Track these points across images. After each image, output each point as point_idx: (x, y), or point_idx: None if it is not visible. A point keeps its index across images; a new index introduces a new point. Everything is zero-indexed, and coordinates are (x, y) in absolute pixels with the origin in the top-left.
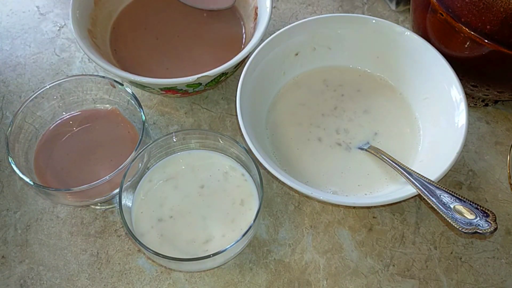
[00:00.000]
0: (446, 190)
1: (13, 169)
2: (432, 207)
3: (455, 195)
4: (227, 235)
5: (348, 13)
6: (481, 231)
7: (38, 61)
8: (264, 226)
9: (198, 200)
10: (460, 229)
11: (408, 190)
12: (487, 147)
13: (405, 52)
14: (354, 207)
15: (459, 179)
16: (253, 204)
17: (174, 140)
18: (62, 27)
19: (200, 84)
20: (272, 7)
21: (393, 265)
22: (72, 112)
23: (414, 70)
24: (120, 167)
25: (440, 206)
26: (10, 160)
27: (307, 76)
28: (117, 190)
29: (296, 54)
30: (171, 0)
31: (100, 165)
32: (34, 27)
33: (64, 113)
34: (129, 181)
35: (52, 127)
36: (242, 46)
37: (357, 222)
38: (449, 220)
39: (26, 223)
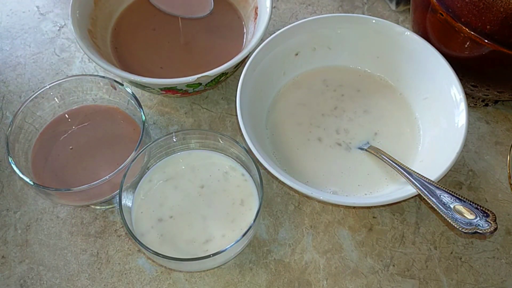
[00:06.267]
0: (446, 190)
1: (13, 169)
2: (432, 207)
3: (455, 195)
4: (227, 235)
5: (348, 13)
6: (481, 231)
7: (38, 61)
8: (264, 226)
9: (198, 200)
10: (460, 229)
11: (408, 190)
12: (487, 147)
13: (405, 52)
14: (354, 207)
15: (459, 179)
16: (253, 204)
17: (174, 140)
18: (62, 27)
19: (200, 84)
20: (272, 7)
21: (393, 265)
22: (71, 108)
23: (414, 70)
24: (120, 167)
25: (440, 206)
26: (10, 160)
27: (307, 76)
28: (117, 191)
29: (296, 54)
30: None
31: (100, 165)
32: (34, 27)
33: (64, 113)
34: (129, 181)
35: (50, 124)
36: (242, 46)
37: (357, 222)
38: (449, 220)
39: (26, 223)
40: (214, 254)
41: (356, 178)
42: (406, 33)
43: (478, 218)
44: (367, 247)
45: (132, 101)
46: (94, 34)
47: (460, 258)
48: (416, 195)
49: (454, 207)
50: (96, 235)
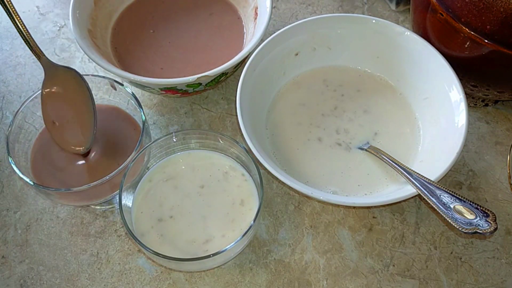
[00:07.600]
0: (446, 190)
1: (13, 169)
2: (432, 207)
3: (455, 195)
4: (227, 235)
5: (348, 13)
6: (481, 231)
7: (38, 61)
8: (264, 226)
9: (198, 200)
10: (460, 229)
11: (408, 190)
12: (487, 147)
13: (405, 52)
14: (354, 207)
15: (459, 179)
16: (253, 204)
17: (174, 140)
18: (62, 27)
19: (200, 84)
20: (272, 7)
21: (393, 265)
22: None
23: (414, 70)
24: (120, 167)
25: (440, 206)
26: (10, 160)
27: (307, 76)
28: (117, 191)
29: (296, 54)
30: (171, 1)
31: (100, 165)
32: (34, 27)
33: None
34: (129, 181)
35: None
36: (242, 46)
37: (357, 222)
38: (449, 220)
39: (26, 223)
40: (214, 254)
41: (356, 178)
42: (406, 33)
43: (478, 218)
44: (367, 247)
45: (132, 101)
46: (94, 34)
47: (460, 258)
48: (416, 195)
49: (454, 207)
50: (96, 235)
